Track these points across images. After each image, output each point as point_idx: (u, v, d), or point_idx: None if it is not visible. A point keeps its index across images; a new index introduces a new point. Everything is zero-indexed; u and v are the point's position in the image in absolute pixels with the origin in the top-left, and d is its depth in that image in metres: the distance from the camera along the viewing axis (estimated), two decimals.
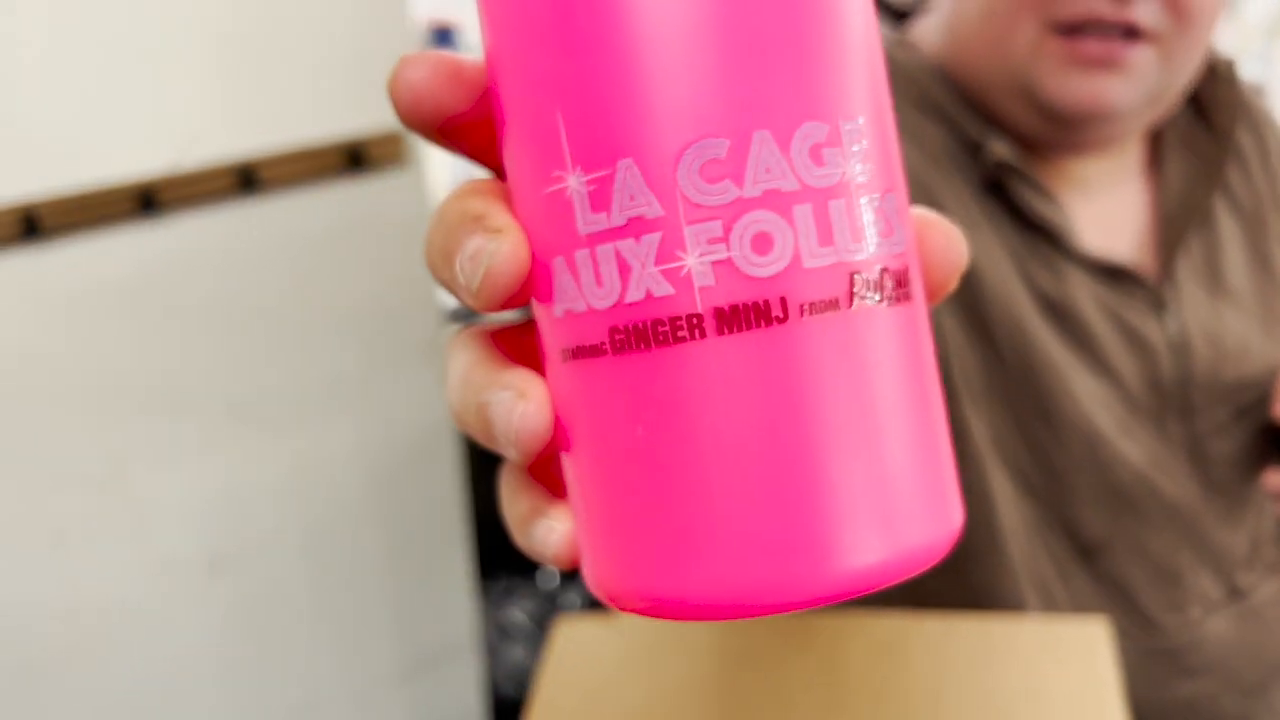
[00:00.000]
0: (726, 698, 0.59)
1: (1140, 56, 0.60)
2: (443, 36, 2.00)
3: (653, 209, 0.21)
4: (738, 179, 0.20)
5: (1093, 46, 0.60)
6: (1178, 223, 0.69)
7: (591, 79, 0.21)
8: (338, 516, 1.04)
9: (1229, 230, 0.72)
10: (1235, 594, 0.71)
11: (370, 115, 0.92)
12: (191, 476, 0.92)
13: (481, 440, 0.26)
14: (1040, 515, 0.67)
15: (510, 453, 0.25)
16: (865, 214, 0.21)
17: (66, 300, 0.84)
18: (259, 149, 0.86)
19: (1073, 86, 0.61)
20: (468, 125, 0.26)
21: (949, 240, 0.28)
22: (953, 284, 0.27)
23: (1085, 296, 0.65)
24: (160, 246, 0.86)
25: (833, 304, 0.21)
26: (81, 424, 0.86)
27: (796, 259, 0.21)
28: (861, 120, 0.22)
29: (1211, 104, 0.72)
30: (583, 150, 0.21)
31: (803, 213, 0.21)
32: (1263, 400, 0.72)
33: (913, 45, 0.69)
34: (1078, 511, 0.67)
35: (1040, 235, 0.65)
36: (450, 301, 1.12)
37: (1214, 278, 0.70)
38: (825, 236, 0.21)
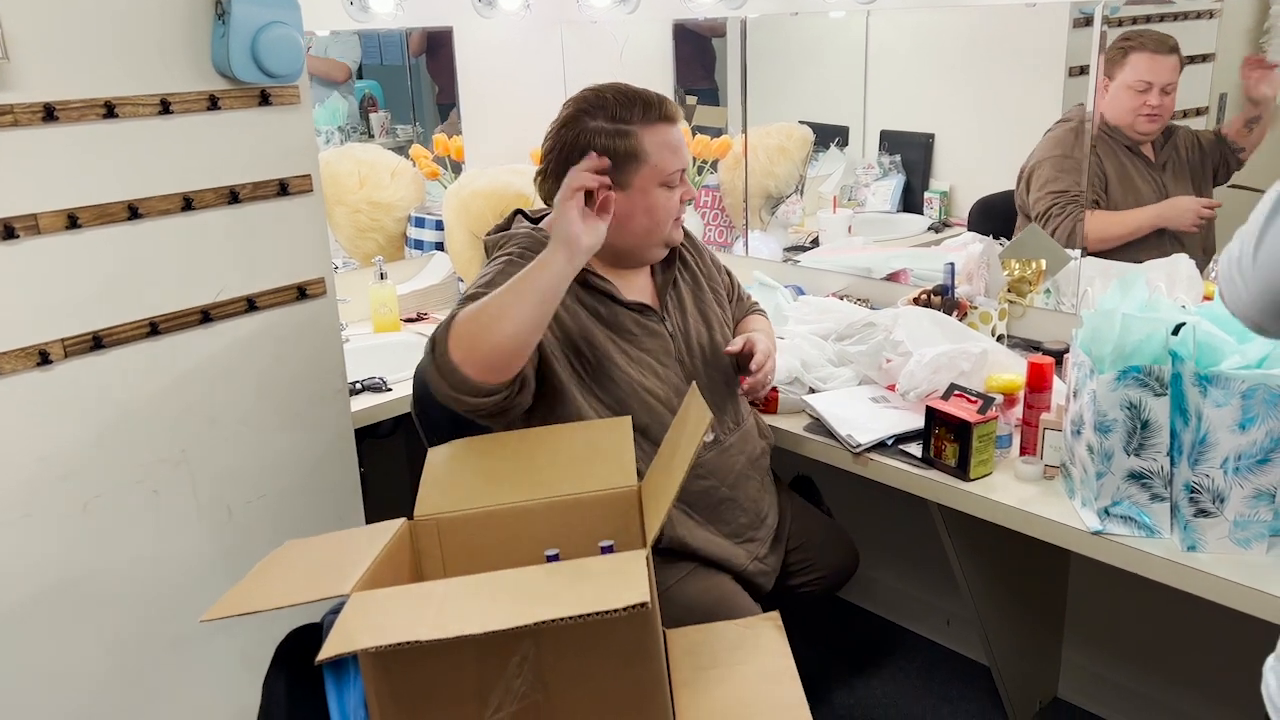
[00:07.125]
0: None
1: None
2: None
3: None
4: None
5: (679, 227, 1.78)
6: (663, 289, 1.83)
7: None
8: None
9: (685, 292, 1.87)
10: (717, 442, 1.75)
11: None
12: None
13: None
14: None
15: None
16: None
17: None
18: None
19: (675, 236, 1.76)
20: None
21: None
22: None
23: (627, 318, 1.73)
24: None
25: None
26: None
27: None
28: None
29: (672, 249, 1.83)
30: None
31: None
32: (719, 357, 1.82)
33: (543, 230, 1.71)
34: (636, 422, 1.59)
35: (605, 296, 1.73)
36: None
37: (681, 310, 1.83)
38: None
